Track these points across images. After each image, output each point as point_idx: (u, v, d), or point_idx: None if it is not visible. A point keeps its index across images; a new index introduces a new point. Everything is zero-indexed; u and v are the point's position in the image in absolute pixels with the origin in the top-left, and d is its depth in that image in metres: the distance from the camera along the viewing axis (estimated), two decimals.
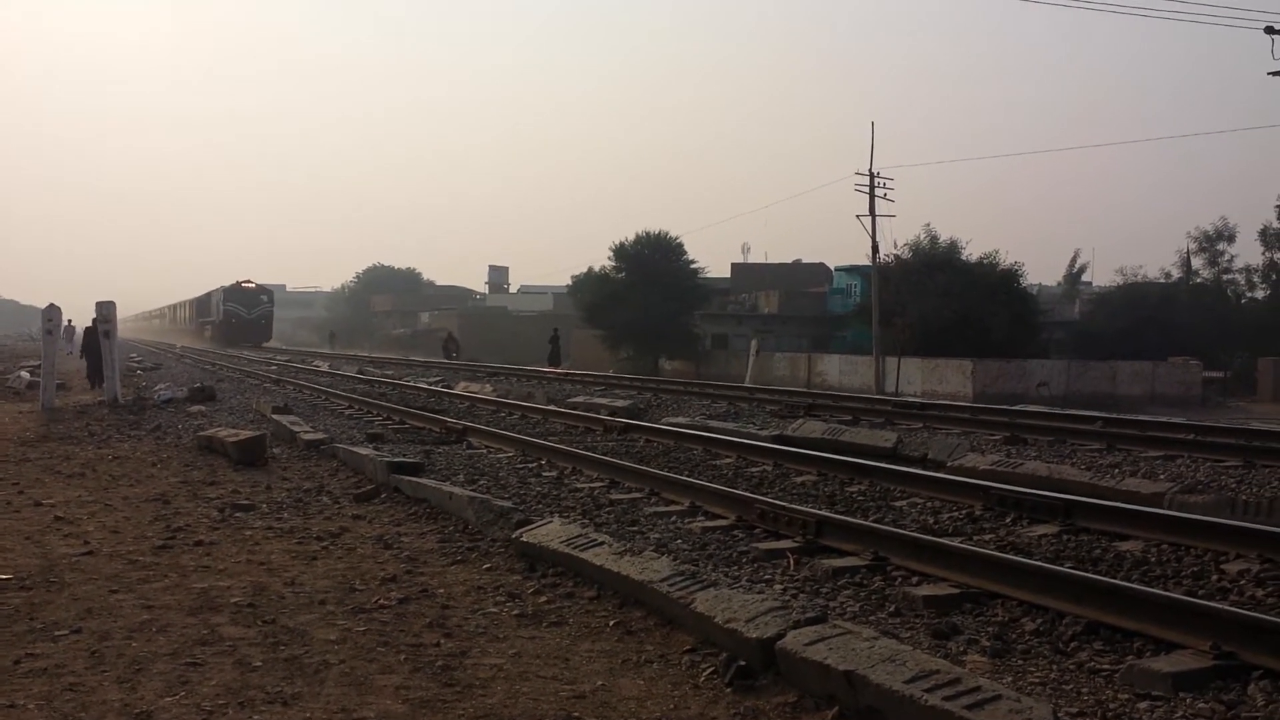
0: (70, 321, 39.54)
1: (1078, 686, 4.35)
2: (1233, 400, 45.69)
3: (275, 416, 15.38)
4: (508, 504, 7.90)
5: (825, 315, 63.45)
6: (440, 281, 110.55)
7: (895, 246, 52.12)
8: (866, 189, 44.21)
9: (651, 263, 57.23)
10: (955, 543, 6.59)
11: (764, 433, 13.72)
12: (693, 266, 59.57)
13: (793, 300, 64.75)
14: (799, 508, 7.58)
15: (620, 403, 18.40)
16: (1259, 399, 45.92)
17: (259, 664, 4.68)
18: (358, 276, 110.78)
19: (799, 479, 9.89)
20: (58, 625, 5.26)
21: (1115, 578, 5.84)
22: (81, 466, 11.19)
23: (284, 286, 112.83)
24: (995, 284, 48.88)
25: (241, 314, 70.21)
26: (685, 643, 4.93)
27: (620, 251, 58.62)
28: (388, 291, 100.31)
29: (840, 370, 47.11)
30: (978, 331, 45.03)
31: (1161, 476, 10.04)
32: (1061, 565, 6.08)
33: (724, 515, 7.92)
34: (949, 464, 10.83)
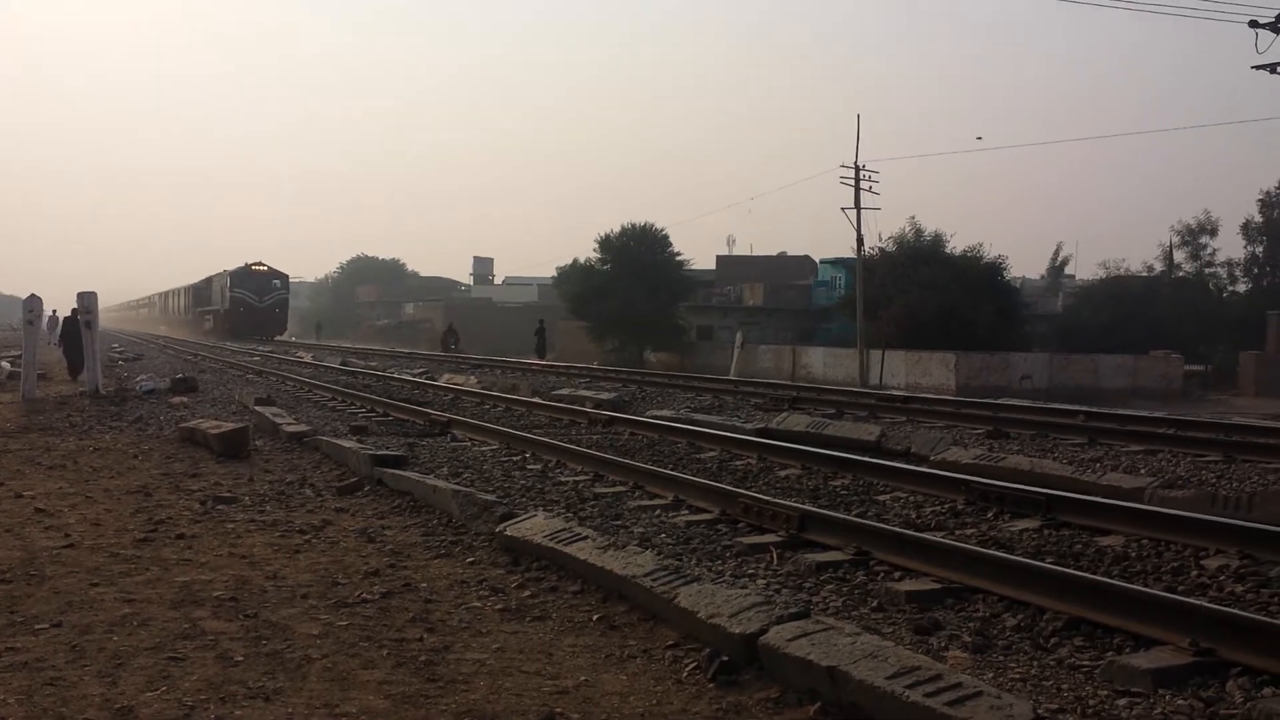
0: (54, 312, 39.31)
1: (1058, 683, 4.38)
2: (1214, 394, 45.99)
3: (258, 408, 15.32)
4: (492, 497, 7.90)
5: (810, 308, 63.58)
6: (425, 273, 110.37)
7: (880, 239, 52.36)
8: (852, 181, 44.30)
9: (637, 254, 57.22)
10: (938, 538, 6.62)
11: (748, 426, 13.74)
12: (678, 258, 59.60)
13: (778, 293, 64.86)
14: (782, 502, 7.59)
15: (605, 395, 18.39)
16: (1240, 393, 46.22)
17: (240, 659, 4.67)
18: (342, 267, 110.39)
19: (783, 473, 9.91)
20: (38, 619, 5.23)
21: (1096, 573, 5.88)
22: (62, 458, 11.13)
23: None
24: (979, 277, 49.05)
25: (251, 302, 62.25)
26: (669, 638, 4.93)
27: (606, 243, 58.59)
28: (372, 282, 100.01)
29: (825, 363, 47.22)
30: (961, 324, 45.19)
31: (1142, 471, 10.10)
32: (1043, 561, 6.11)
33: (708, 509, 7.93)
34: (932, 458, 10.87)
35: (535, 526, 6.70)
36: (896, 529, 6.77)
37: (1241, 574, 5.97)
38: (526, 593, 5.80)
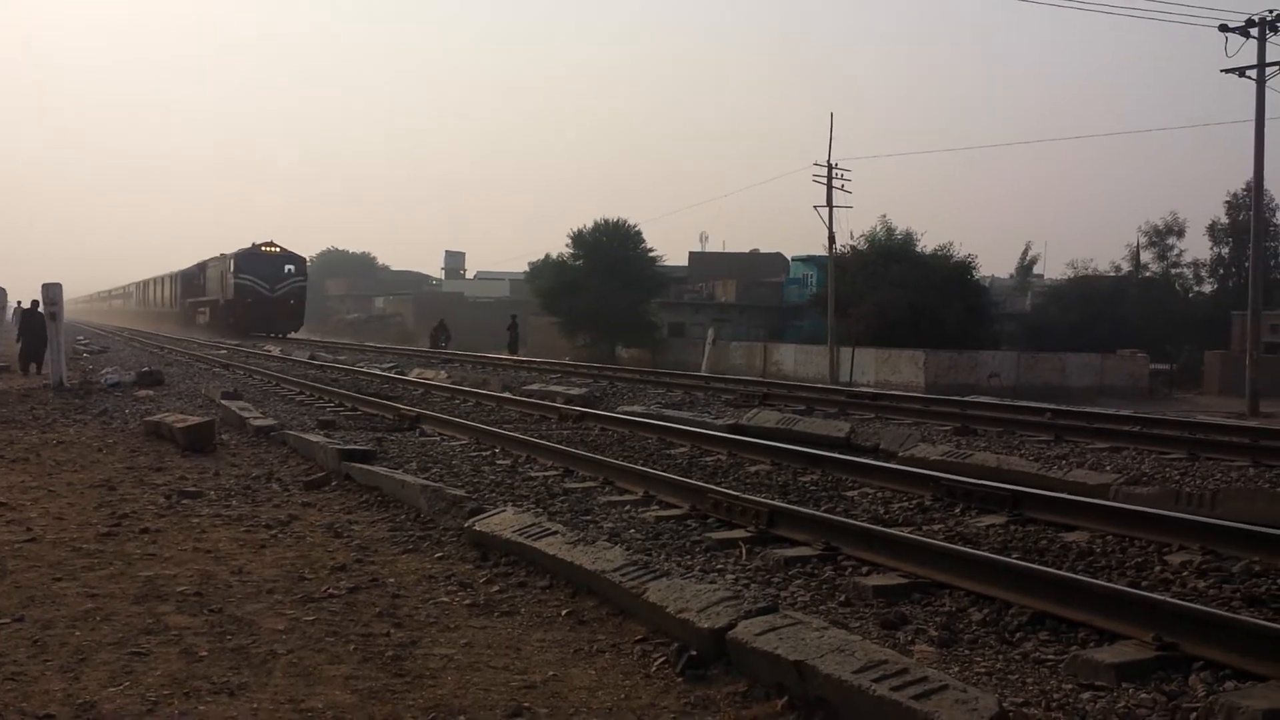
0: (20, 304, 38.75)
1: (1023, 676, 4.41)
2: (1179, 393, 46.56)
3: (224, 402, 15.19)
4: (461, 492, 7.87)
5: (782, 305, 63.84)
6: (395, 266, 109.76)
7: (852, 237, 52.68)
8: (824, 180, 44.51)
9: (609, 250, 57.21)
10: (905, 533, 6.65)
11: (719, 422, 13.76)
12: (651, 255, 59.66)
13: (750, 289, 65.07)
14: (752, 497, 7.61)
15: (576, 390, 18.37)
16: (1205, 391, 46.80)
17: (205, 654, 4.62)
18: (311, 260, 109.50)
19: (753, 468, 9.93)
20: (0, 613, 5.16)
21: (1061, 569, 5.93)
22: (25, 451, 10.99)
23: None
24: (949, 276, 49.41)
25: (261, 291, 51.73)
26: (637, 632, 4.93)
27: (578, 239, 58.54)
28: (342, 276, 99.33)
29: (795, 360, 47.40)
30: (931, 323, 45.52)
31: (1108, 468, 10.20)
32: (1008, 556, 6.16)
33: (678, 505, 7.93)
34: (900, 454, 10.93)
35: (504, 522, 6.68)
36: (864, 524, 6.81)
37: (1204, 570, 6.05)
38: (495, 588, 5.78)
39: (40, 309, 22.94)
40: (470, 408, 16.29)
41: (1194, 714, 3.93)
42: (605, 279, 54.79)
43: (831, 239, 44.76)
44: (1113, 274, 64.16)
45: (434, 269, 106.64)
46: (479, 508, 7.27)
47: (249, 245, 53.32)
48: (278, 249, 53.69)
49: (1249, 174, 34.84)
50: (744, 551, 6.58)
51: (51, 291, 19.93)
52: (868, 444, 11.95)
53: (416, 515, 7.65)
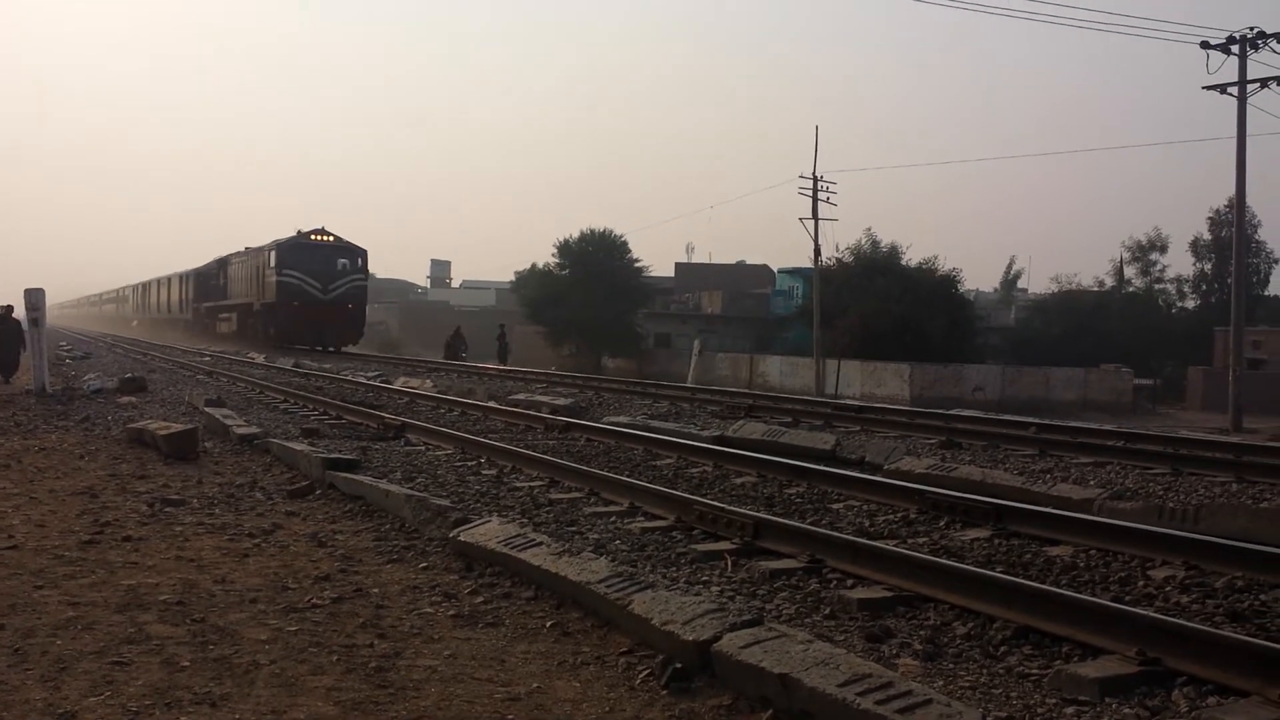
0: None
1: (1007, 691, 4.41)
2: (1162, 408, 46.84)
3: (208, 409, 15.11)
4: (445, 502, 7.84)
5: (768, 316, 63.98)
6: (381, 274, 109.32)
7: (837, 250, 52.97)
8: (810, 192, 44.65)
9: (596, 260, 57.30)
10: (890, 546, 6.65)
11: (705, 433, 13.75)
12: (637, 265, 59.79)
13: (736, 301, 65.21)
14: (737, 509, 7.61)
15: (562, 400, 18.34)
16: (1188, 406, 47.11)
17: (187, 664, 4.59)
18: None
19: (738, 480, 9.93)
20: None
21: (1045, 583, 5.94)
22: (6, 458, 10.91)
23: None
24: (934, 289, 49.68)
25: (312, 292, 40.62)
26: (622, 644, 4.92)
27: (565, 248, 58.62)
28: None
29: (781, 371, 47.50)
30: (916, 336, 45.73)
31: (1091, 482, 10.23)
32: (993, 570, 6.17)
33: (663, 516, 7.92)
34: (886, 467, 10.94)
35: (489, 532, 6.66)
36: (850, 537, 6.81)
37: (1187, 585, 6.07)
38: (479, 599, 5.76)
39: (13, 314, 22.73)
40: (456, 417, 16.25)
41: None
42: (591, 289, 54.86)
43: (817, 251, 44.95)
44: (1097, 289, 64.62)
45: (420, 277, 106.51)
46: (464, 518, 7.25)
47: (293, 233, 42.12)
48: (331, 238, 42.29)
49: (1231, 190, 35.15)
50: (729, 564, 6.57)
51: (33, 297, 19.80)
52: (853, 457, 11.97)
53: (401, 525, 7.62)
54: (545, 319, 57.51)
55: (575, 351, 56.29)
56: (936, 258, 56.31)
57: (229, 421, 13.42)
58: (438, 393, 20.28)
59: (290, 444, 11.28)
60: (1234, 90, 32.10)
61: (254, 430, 12.71)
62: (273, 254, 41.62)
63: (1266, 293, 65.20)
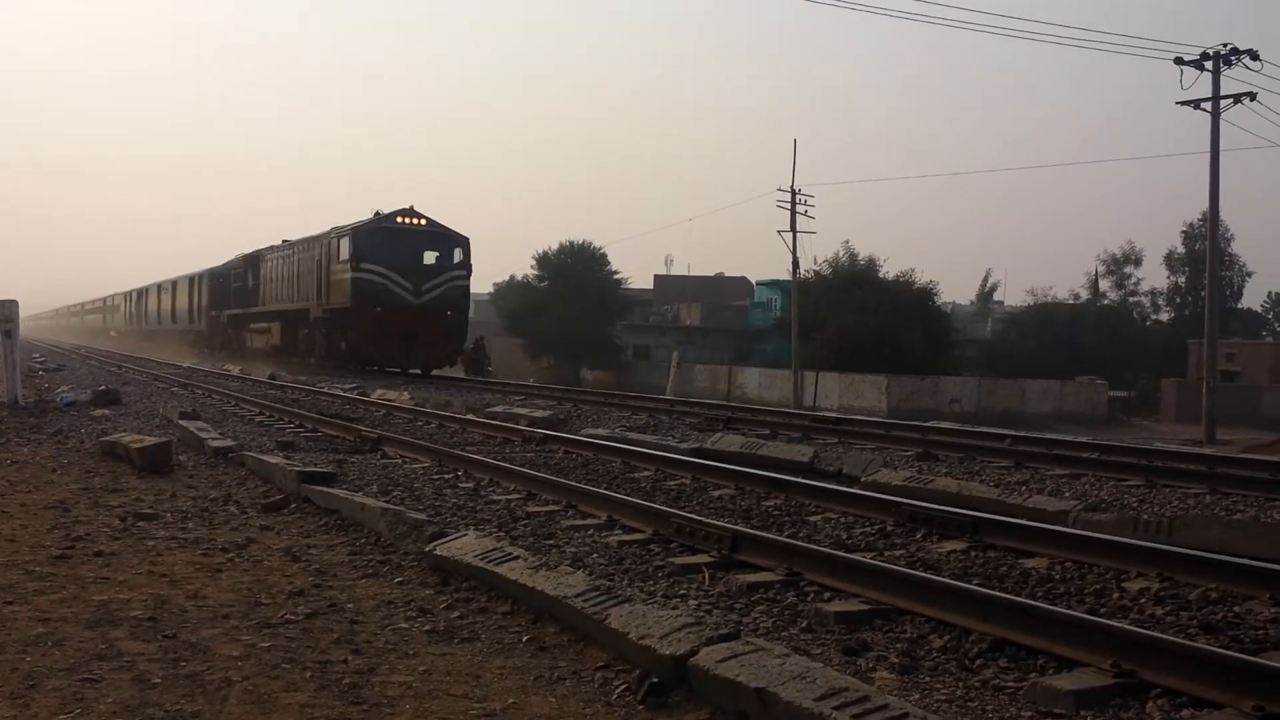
0: None
1: (983, 704, 4.42)
2: (1136, 419, 47.23)
3: (182, 422, 14.99)
4: (422, 516, 7.79)
5: (746, 328, 64.20)
6: None
7: (815, 262, 53.28)
8: (788, 205, 44.86)
9: (574, 272, 57.37)
10: (867, 559, 6.66)
11: (683, 445, 13.75)
12: (616, 277, 59.91)
13: (714, 313, 65.42)
14: (715, 522, 7.60)
15: (540, 413, 18.30)
16: (1161, 418, 47.50)
17: (158, 680, 4.54)
18: None
19: (716, 493, 9.93)
20: None
21: (1021, 595, 5.96)
22: None
23: None
24: (911, 302, 49.99)
25: (401, 294, 30.02)
26: (599, 659, 4.90)
27: (543, 260, 58.68)
28: None
29: (760, 383, 47.64)
30: (893, 348, 45.99)
31: (1067, 494, 10.28)
32: (969, 582, 6.18)
33: (641, 529, 7.91)
34: (863, 479, 10.96)
35: (466, 546, 6.63)
36: (827, 550, 6.81)
37: (1162, 597, 6.10)
38: (455, 614, 5.72)
39: None
40: (433, 430, 16.18)
41: None
42: (570, 301, 54.89)
43: (795, 264, 45.18)
44: (1072, 301, 65.17)
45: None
46: (440, 532, 7.21)
47: (372, 214, 31.34)
48: (423, 221, 31.09)
49: (1205, 204, 35.50)
50: (707, 577, 6.56)
51: (6, 308, 19.61)
52: (831, 469, 11.99)
53: (377, 539, 7.57)
54: (523, 331, 57.47)
55: (553, 363, 56.29)
56: (914, 270, 56.69)
57: (203, 434, 13.31)
58: (415, 405, 20.20)
59: (265, 457, 11.20)
60: (1208, 105, 32.51)
61: (229, 443, 12.61)
62: (344, 242, 30.66)
63: (1240, 305, 66.00)
